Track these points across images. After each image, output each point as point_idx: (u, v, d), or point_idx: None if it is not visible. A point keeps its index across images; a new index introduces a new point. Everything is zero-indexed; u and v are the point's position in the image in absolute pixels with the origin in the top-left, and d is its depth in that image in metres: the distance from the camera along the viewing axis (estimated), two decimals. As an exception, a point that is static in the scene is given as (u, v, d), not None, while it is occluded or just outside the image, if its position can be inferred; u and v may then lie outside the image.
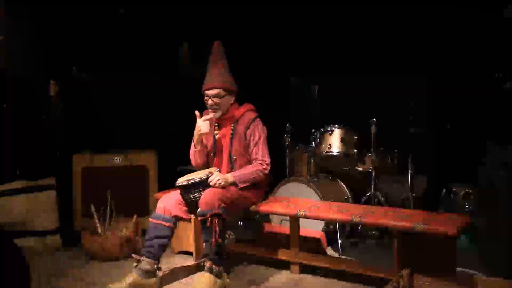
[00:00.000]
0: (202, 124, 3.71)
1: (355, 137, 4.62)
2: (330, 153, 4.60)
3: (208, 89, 3.72)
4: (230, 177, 3.62)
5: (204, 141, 3.86)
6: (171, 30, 5.64)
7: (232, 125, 3.77)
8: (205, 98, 3.75)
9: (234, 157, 3.75)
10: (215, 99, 3.70)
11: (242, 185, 3.63)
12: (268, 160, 3.74)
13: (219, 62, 3.78)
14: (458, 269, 3.37)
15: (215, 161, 3.81)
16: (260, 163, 3.72)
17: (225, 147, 3.76)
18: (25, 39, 4.66)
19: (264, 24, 5.64)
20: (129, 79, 5.20)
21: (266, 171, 3.73)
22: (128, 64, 5.20)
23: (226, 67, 3.79)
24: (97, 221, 4.31)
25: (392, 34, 5.13)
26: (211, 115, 3.73)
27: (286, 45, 5.61)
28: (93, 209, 4.33)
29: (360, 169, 4.68)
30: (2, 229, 3.74)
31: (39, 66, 4.74)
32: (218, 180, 3.54)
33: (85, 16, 5.04)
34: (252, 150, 3.74)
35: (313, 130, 4.68)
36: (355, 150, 4.61)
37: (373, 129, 4.54)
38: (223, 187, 3.55)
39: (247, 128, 3.74)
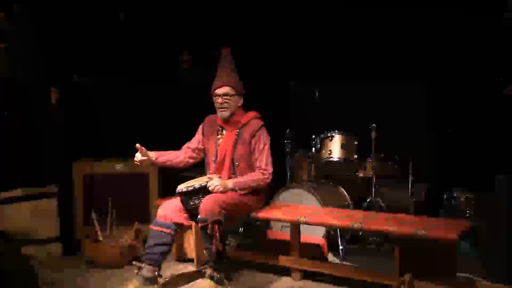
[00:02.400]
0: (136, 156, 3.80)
1: (355, 142, 4.63)
2: (331, 159, 4.60)
3: (217, 88, 3.76)
4: (229, 183, 3.63)
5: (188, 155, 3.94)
6: (171, 36, 5.66)
7: (237, 130, 3.78)
8: (215, 98, 3.79)
9: (237, 163, 3.75)
10: (225, 98, 3.74)
11: (241, 192, 3.64)
12: (270, 170, 3.74)
13: (228, 66, 3.84)
14: (459, 274, 3.37)
15: (216, 165, 3.81)
16: (262, 172, 3.72)
17: (229, 152, 3.77)
18: (26, 45, 4.67)
19: (264, 29, 5.66)
20: (129, 85, 5.21)
21: (268, 181, 3.74)
22: (128, 70, 5.21)
23: (234, 71, 3.85)
24: (98, 228, 4.31)
25: (392, 39, 5.15)
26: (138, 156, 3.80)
27: (286, 51, 5.63)
28: (94, 216, 4.33)
29: (361, 174, 4.68)
30: (8, 238, 3.73)
31: (40, 73, 4.75)
32: (217, 186, 3.55)
33: (86, 22, 5.06)
34: (256, 158, 3.75)
35: (313, 136, 4.68)
36: (356, 156, 4.62)
37: (373, 134, 4.55)
38: (222, 192, 3.56)
39: (253, 135, 3.75)
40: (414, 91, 4.92)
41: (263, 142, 3.75)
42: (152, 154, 3.82)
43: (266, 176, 3.73)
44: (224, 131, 3.84)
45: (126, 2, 5.39)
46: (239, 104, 3.81)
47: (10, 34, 4.56)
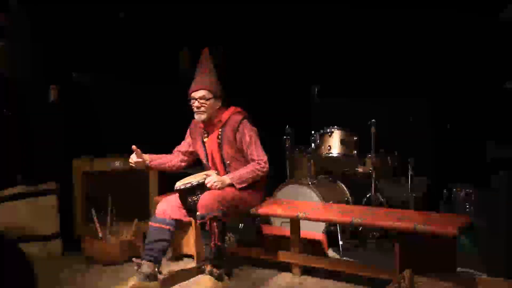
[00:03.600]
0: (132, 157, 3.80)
1: (355, 138, 4.62)
2: (330, 155, 4.60)
3: (194, 91, 3.72)
4: (227, 179, 3.62)
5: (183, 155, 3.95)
6: (171, 34, 5.65)
7: (220, 129, 3.75)
8: (191, 101, 3.75)
9: (228, 162, 3.73)
10: (201, 101, 3.70)
11: (240, 186, 3.62)
12: (264, 158, 3.70)
13: (205, 67, 3.80)
14: (459, 269, 3.37)
15: (209, 166, 3.81)
16: (257, 163, 3.69)
17: (216, 153, 3.75)
18: (25, 43, 4.67)
19: (265, 28, 5.64)
20: (128, 83, 5.20)
21: (265, 169, 3.69)
22: (128, 68, 5.21)
23: (212, 72, 3.79)
24: (97, 225, 4.31)
25: (392, 38, 5.16)
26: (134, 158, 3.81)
27: (288, 51, 5.63)
28: (93, 213, 4.33)
29: (360, 170, 4.68)
30: (5, 236, 3.72)
31: (39, 70, 4.74)
32: (215, 182, 3.54)
33: (85, 20, 5.05)
34: (246, 152, 3.72)
35: (313, 132, 4.68)
36: (355, 152, 4.61)
37: (373, 130, 4.54)
38: (220, 189, 3.55)
39: (236, 130, 3.70)
40: (414, 88, 4.92)
41: (248, 134, 3.70)
42: (147, 157, 3.83)
43: (262, 165, 3.68)
44: (208, 133, 3.81)
45: (124, 2, 5.36)
46: (217, 107, 3.75)
47: (9, 32, 4.55)
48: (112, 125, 5.10)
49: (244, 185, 3.63)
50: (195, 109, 3.73)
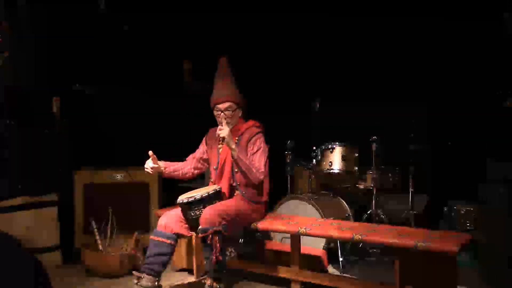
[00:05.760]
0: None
1: (356, 154, 4.64)
2: (331, 171, 4.61)
3: (219, 103, 3.76)
4: (234, 146, 3.60)
5: (204, 155, 3.96)
6: (174, 46, 5.69)
7: (237, 138, 3.79)
8: (216, 112, 3.79)
9: (236, 169, 3.74)
10: (227, 113, 3.74)
11: (236, 156, 3.59)
12: (262, 169, 3.70)
13: (227, 77, 3.83)
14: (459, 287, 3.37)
15: (217, 172, 3.81)
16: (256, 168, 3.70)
17: (228, 160, 3.76)
18: (29, 54, 4.70)
19: (268, 40, 5.68)
20: (132, 95, 5.23)
21: (260, 177, 3.67)
22: (131, 80, 5.23)
23: (233, 82, 3.84)
24: (98, 237, 4.31)
25: (394, 49, 5.19)
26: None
27: (288, 63, 5.67)
28: (94, 225, 4.33)
29: (361, 186, 4.69)
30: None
31: (42, 81, 4.77)
32: (226, 134, 3.55)
33: (89, 32, 5.09)
34: (248, 157, 3.72)
35: (314, 148, 4.69)
36: (356, 168, 4.63)
37: (373, 146, 4.55)
38: (223, 139, 3.57)
39: (249, 140, 3.75)
40: (414, 105, 4.96)
41: (257, 146, 3.74)
42: (161, 164, 3.82)
43: (259, 172, 3.69)
44: (224, 140, 3.83)
45: (128, 11, 5.41)
46: (239, 115, 3.83)
47: (13, 43, 4.58)
48: (115, 136, 5.11)
49: (238, 163, 3.61)
50: (220, 120, 3.76)
